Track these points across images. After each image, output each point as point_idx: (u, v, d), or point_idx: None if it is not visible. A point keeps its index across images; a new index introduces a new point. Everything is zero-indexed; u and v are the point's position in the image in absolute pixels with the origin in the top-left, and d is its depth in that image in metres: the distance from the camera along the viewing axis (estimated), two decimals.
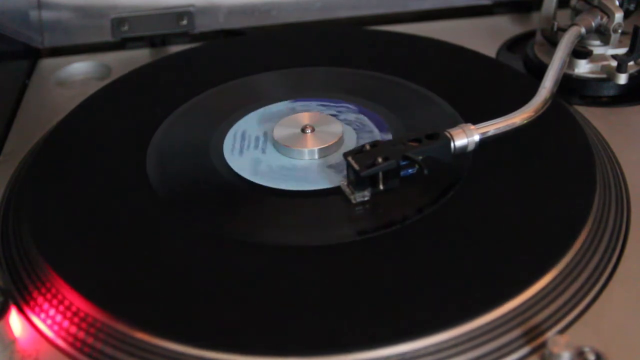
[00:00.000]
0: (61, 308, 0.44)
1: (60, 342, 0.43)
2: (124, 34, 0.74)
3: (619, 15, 0.61)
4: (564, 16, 0.66)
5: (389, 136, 0.56)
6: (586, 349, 0.39)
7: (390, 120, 0.57)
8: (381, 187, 0.49)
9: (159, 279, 0.45)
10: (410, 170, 0.49)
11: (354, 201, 0.49)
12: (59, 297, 0.44)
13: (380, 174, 0.48)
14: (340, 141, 0.55)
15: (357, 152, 0.49)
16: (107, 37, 0.74)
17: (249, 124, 0.58)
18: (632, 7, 0.62)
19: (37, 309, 0.45)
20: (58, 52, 0.74)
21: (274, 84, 0.64)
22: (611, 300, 0.44)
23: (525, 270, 0.43)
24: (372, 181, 0.48)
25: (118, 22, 0.74)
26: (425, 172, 0.48)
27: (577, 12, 0.64)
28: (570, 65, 0.62)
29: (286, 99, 0.61)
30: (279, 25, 0.77)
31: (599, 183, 0.50)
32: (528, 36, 0.71)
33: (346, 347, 0.39)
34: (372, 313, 0.42)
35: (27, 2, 0.72)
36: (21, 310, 0.45)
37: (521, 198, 0.49)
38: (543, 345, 0.41)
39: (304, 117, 0.57)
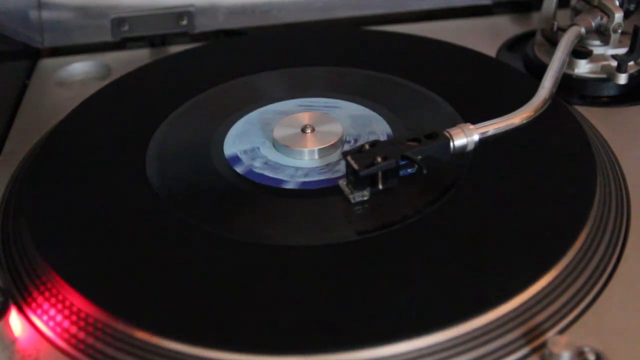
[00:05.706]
0: (61, 308, 0.44)
1: (60, 342, 0.43)
2: (124, 34, 0.74)
3: (619, 15, 0.61)
4: (564, 16, 0.66)
5: (388, 136, 0.56)
6: (586, 349, 0.39)
7: (390, 120, 0.57)
8: (380, 186, 0.49)
9: (159, 279, 0.45)
10: (409, 170, 0.49)
11: (353, 201, 0.49)
12: (59, 297, 0.44)
13: (380, 174, 0.48)
14: (340, 141, 0.55)
15: (356, 152, 0.49)
16: (107, 37, 0.74)
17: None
18: (632, 7, 0.62)
19: (37, 309, 0.45)
20: (58, 52, 0.74)
21: (274, 83, 0.64)
22: (611, 300, 0.44)
23: (525, 271, 0.43)
24: (371, 181, 0.48)
25: (118, 22, 0.74)
26: (424, 171, 0.48)
27: (577, 12, 0.64)
28: (570, 65, 0.62)
29: (286, 99, 0.61)
30: (279, 25, 0.77)
31: (599, 183, 0.50)
32: (528, 36, 0.71)
33: (346, 346, 0.39)
34: (372, 313, 0.42)
35: (27, 2, 0.72)
36: (21, 310, 0.45)
37: (521, 198, 0.49)
38: (543, 345, 0.41)
39: (304, 117, 0.57)
